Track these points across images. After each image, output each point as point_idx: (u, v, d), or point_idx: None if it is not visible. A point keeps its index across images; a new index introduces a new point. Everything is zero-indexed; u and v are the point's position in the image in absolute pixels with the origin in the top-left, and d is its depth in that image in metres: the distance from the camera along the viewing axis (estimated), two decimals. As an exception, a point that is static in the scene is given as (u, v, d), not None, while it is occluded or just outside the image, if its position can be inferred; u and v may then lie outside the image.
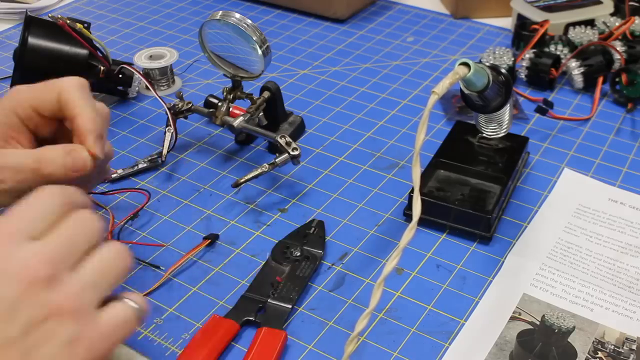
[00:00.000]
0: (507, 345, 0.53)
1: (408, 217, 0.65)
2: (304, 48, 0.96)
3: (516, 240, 0.63)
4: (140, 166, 0.71)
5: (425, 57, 0.93)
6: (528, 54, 0.85)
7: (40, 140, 0.53)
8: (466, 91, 0.59)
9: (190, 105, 0.73)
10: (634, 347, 0.52)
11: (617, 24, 0.89)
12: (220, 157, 0.74)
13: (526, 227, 0.64)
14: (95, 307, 0.38)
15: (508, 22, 1.00)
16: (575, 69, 0.83)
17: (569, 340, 0.53)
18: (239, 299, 0.56)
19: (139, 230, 0.64)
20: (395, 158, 0.73)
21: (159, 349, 0.53)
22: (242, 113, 0.71)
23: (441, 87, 0.50)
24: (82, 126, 0.50)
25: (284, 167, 0.69)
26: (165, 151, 0.70)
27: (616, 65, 0.83)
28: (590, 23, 0.90)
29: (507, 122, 0.67)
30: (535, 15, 0.91)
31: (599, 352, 0.52)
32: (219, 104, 0.72)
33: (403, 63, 0.92)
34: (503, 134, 0.68)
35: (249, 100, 0.73)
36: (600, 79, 0.82)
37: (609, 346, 0.52)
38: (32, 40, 0.74)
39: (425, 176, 0.66)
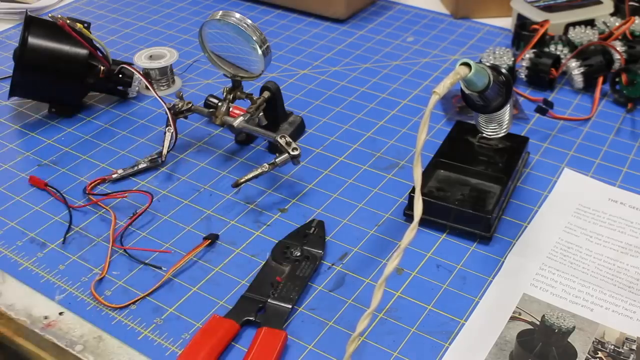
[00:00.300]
0: (507, 345, 0.53)
1: (408, 217, 0.65)
2: (304, 48, 0.96)
3: (516, 240, 0.63)
4: (140, 166, 0.71)
5: (425, 57, 0.93)
6: (528, 54, 0.85)
7: None
8: (467, 91, 0.59)
9: (190, 105, 0.73)
10: (634, 347, 0.52)
11: (617, 24, 0.89)
12: (220, 157, 0.74)
13: (526, 227, 0.64)
14: None
15: (508, 22, 1.00)
16: (575, 69, 0.83)
17: (569, 340, 0.53)
18: (239, 299, 0.56)
19: (139, 231, 0.64)
20: (395, 158, 0.73)
21: (159, 349, 0.53)
22: (242, 113, 0.71)
23: (442, 87, 0.50)
24: None
25: (284, 167, 0.69)
26: (165, 151, 0.70)
27: (616, 65, 0.83)
28: (590, 23, 0.90)
29: (507, 122, 0.67)
30: (535, 15, 0.91)
31: (599, 352, 0.52)
32: (219, 104, 0.72)
33: (403, 63, 0.92)
34: (503, 134, 0.68)
35: (249, 100, 0.73)
36: (600, 79, 0.82)
37: (609, 346, 0.52)
38: (32, 40, 0.74)
39: (425, 176, 0.66)
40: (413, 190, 0.65)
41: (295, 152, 0.66)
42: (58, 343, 0.54)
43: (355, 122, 0.80)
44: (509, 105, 0.65)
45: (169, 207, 0.67)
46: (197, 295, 0.58)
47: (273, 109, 0.74)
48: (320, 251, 0.60)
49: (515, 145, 0.69)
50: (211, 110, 0.73)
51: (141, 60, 0.84)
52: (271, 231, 0.64)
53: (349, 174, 0.71)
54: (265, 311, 0.55)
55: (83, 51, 0.76)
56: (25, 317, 0.56)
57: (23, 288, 0.59)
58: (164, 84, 0.85)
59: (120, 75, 0.80)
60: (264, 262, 0.60)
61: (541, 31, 0.86)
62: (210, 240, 0.62)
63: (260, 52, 0.68)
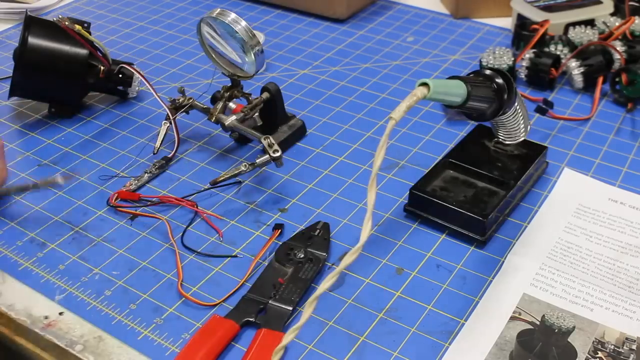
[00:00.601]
0: (507, 345, 0.53)
1: (408, 212, 0.65)
2: (304, 48, 0.96)
3: (516, 240, 0.63)
4: (152, 173, 0.70)
5: (425, 57, 0.93)
6: (528, 54, 0.85)
7: None
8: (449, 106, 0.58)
9: (191, 100, 0.73)
10: (634, 347, 0.52)
11: (617, 24, 0.89)
12: (220, 157, 0.74)
13: (526, 227, 0.64)
14: None
15: (508, 22, 1.00)
16: (575, 69, 0.83)
17: (569, 340, 0.53)
18: (240, 300, 0.56)
19: (139, 231, 0.64)
20: (395, 158, 0.73)
21: (159, 349, 0.53)
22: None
23: (398, 112, 0.49)
24: None
25: (284, 167, 0.69)
26: (158, 144, 0.71)
27: (616, 65, 0.83)
28: (590, 23, 0.90)
29: (522, 127, 0.65)
30: (535, 15, 0.91)
31: (599, 352, 0.52)
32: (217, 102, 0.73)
33: (403, 63, 0.92)
34: (519, 140, 0.67)
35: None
36: (600, 79, 0.82)
37: (609, 346, 0.52)
38: (32, 40, 0.74)
39: (431, 175, 0.66)
40: (414, 187, 0.64)
41: (276, 154, 0.65)
42: (58, 343, 0.54)
43: (355, 122, 0.80)
44: (518, 111, 0.64)
45: (169, 207, 0.67)
46: (197, 294, 0.58)
47: (272, 111, 0.74)
48: (324, 253, 0.60)
49: (531, 153, 0.68)
50: (206, 107, 0.73)
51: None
52: (271, 231, 0.64)
53: (349, 174, 0.71)
54: (265, 312, 0.55)
55: (83, 51, 0.76)
56: (25, 317, 0.56)
57: (23, 288, 0.59)
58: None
59: (120, 75, 0.80)
60: (267, 264, 0.60)
61: (541, 31, 0.86)
62: (280, 230, 0.63)
63: (251, 54, 0.68)
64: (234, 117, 0.71)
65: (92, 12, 1.07)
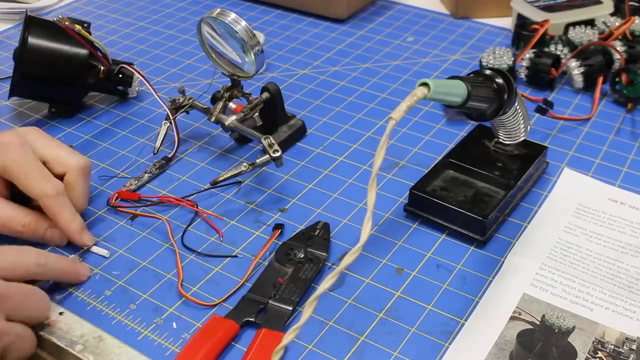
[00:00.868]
0: (507, 345, 0.53)
1: (408, 212, 0.65)
2: (304, 48, 0.96)
3: (516, 240, 0.63)
4: (152, 173, 0.70)
5: (425, 57, 0.93)
6: (528, 53, 0.85)
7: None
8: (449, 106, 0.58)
9: (191, 100, 0.73)
10: (634, 347, 0.52)
11: (617, 24, 0.89)
12: (220, 157, 0.74)
13: (526, 227, 0.64)
14: None
15: (508, 22, 1.00)
16: (575, 68, 0.83)
17: (569, 340, 0.53)
18: (240, 300, 0.56)
19: (139, 231, 0.64)
20: (396, 158, 0.73)
21: (159, 349, 0.53)
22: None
23: (398, 112, 0.49)
24: (65, 230, 0.61)
25: (284, 167, 0.69)
26: (158, 144, 0.71)
27: (616, 65, 0.83)
28: (590, 23, 0.90)
29: (521, 128, 0.65)
30: (535, 15, 0.91)
31: (599, 352, 0.52)
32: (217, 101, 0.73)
33: (403, 63, 0.92)
34: (519, 140, 0.66)
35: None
36: (600, 79, 0.82)
37: (609, 346, 0.52)
38: (32, 40, 0.74)
39: (431, 175, 0.66)
40: (414, 187, 0.64)
41: (276, 154, 0.65)
42: (58, 343, 0.54)
43: (355, 122, 0.80)
44: (518, 111, 0.64)
45: (169, 207, 0.67)
46: (197, 295, 0.58)
47: (272, 111, 0.74)
48: (324, 253, 0.60)
49: (531, 153, 0.68)
50: (206, 107, 0.73)
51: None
52: (271, 231, 0.64)
53: (349, 174, 0.71)
54: (266, 312, 0.55)
55: (83, 51, 0.76)
56: (25, 317, 0.56)
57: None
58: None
59: (120, 75, 0.80)
60: (267, 264, 0.60)
61: (541, 31, 0.86)
62: (280, 230, 0.63)
63: (251, 54, 0.68)
64: (234, 117, 0.71)
65: (92, 12, 1.07)
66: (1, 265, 0.52)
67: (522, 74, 0.85)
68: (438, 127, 0.78)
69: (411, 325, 0.55)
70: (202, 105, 0.74)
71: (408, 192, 0.65)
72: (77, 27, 0.76)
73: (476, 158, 0.68)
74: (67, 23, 0.75)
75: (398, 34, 0.99)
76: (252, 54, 0.68)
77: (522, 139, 0.67)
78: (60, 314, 0.56)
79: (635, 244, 0.62)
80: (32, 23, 0.75)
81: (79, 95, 0.81)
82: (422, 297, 0.57)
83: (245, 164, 0.66)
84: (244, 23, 0.67)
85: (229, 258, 0.61)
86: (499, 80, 0.59)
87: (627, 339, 0.53)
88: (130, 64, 0.80)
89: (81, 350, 0.53)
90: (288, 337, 0.47)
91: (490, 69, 0.61)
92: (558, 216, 0.65)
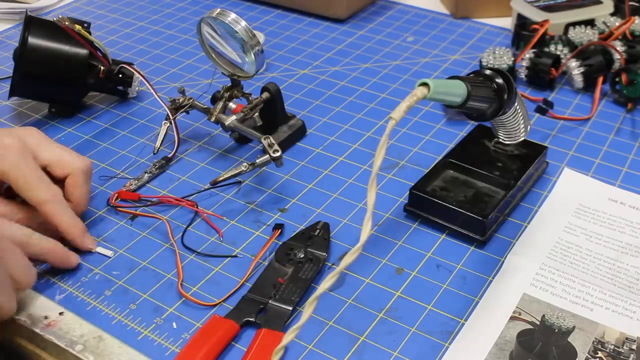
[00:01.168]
0: (507, 345, 0.53)
1: (408, 212, 0.65)
2: (304, 48, 0.96)
3: (516, 240, 0.63)
4: (152, 173, 0.70)
5: (425, 57, 0.93)
6: (528, 54, 0.85)
7: None
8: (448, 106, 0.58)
9: (191, 100, 0.73)
10: (634, 347, 0.52)
11: (617, 24, 0.89)
12: (220, 157, 0.74)
13: (526, 227, 0.64)
14: None
15: (508, 22, 1.00)
16: (575, 68, 0.83)
17: (569, 340, 0.53)
18: (240, 300, 0.56)
19: (139, 231, 0.64)
20: (396, 158, 0.73)
21: (159, 349, 0.53)
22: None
23: (398, 112, 0.48)
24: (67, 235, 0.60)
25: (284, 167, 0.69)
26: (158, 144, 0.71)
27: (616, 65, 0.83)
28: (590, 23, 0.90)
29: (521, 128, 0.65)
30: (535, 15, 0.91)
31: (599, 352, 0.52)
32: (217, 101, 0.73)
33: (403, 63, 0.92)
34: (519, 140, 0.66)
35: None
36: (600, 79, 0.82)
37: (609, 346, 0.52)
38: (32, 40, 0.74)
39: (431, 175, 0.66)
40: (414, 187, 0.64)
41: (276, 154, 0.65)
42: (58, 343, 0.54)
43: (355, 122, 0.80)
44: (518, 111, 0.64)
45: (169, 207, 0.67)
46: (197, 294, 0.58)
47: (272, 111, 0.74)
48: (324, 253, 0.60)
49: (531, 153, 0.68)
50: (206, 107, 0.73)
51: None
52: (271, 231, 0.64)
53: (349, 174, 0.71)
54: (266, 312, 0.55)
55: (83, 51, 0.76)
56: (25, 317, 0.56)
57: (23, 288, 0.59)
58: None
59: (120, 75, 0.80)
60: (267, 264, 0.60)
61: (541, 31, 0.86)
62: (280, 230, 0.63)
63: (251, 54, 0.68)
64: (234, 117, 0.71)
65: (92, 12, 1.07)
66: None
67: (522, 74, 0.85)
68: (438, 127, 0.78)
69: (411, 325, 0.55)
70: (202, 105, 0.74)
71: (408, 192, 0.65)
72: (77, 27, 0.76)
73: (476, 158, 0.68)
74: (67, 23, 0.76)
75: (398, 34, 0.99)
76: (252, 54, 0.68)
77: (522, 139, 0.67)
78: (60, 314, 0.56)
79: (635, 244, 0.62)
80: (32, 23, 0.75)
81: (79, 95, 0.81)
82: (422, 297, 0.57)
83: (245, 164, 0.66)
84: (244, 23, 0.67)
85: (229, 258, 0.61)
86: (499, 80, 0.59)
87: (627, 339, 0.53)
88: (130, 64, 0.80)
89: (81, 350, 0.53)
90: (288, 337, 0.47)
91: (490, 69, 0.61)
92: (558, 216, 0.65)
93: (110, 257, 0.61)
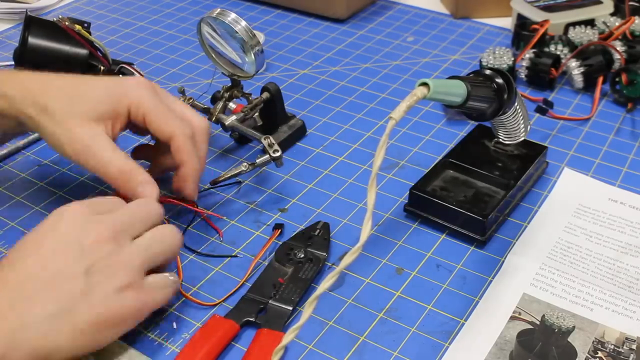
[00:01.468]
0: (507, 345, 0.53)
1: (408, 212, 0.65)
2: (304, 48, 0.96)
3: (516, 240, 0.63)
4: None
5: (425, 57, 0.93)
6: (528, 53, 0.85)
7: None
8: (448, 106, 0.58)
9: (191, 100, 0.73)
10: (634, 347, 0.52)
11: (617, 24, 0.89)
12: (220, 157, 0.74)
13: (526, 227, 0.64)
14: (144, 269, 0.50)
15: (508, 22, 1.00)
16: (575, 68, 0.83)
17: (569, 340, 0.53)
18: (240, 300, 0.56)
19: (139, 230, 0.64)
20: (396, 158, 0.73)
21: (159, 348, 0.53)
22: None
23: (398, 112, 0.48)
24: (185, 174, 0.61)
25: (284, 167, 0.69)
26: None
27: (616, 65, 0.83)
28: (590, 23, 0.90)
29: (521, 128, 0.65)
30: (535, 15, 0.91)
31: (599, 352, 0.52)
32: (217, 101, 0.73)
33: (403, 63, 0.92)
34: (519, 140, 0.66)
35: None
36: (600, 79, 0.82)
37: (609, 346, 0.52)
38: (32, 40, 0.74)
39: (431, 175, 0.66)
40: (414, 187, 0.64)
41: (276, 154, 0.65)
42: (58, 343, 0.54)
43: (355, 122, 0.80)
44: (518, 111, 0.64)
45: (168, 207, 0.67)
46: (197, 294, 0.58)
47: (272, 111, 0.74)
48: (324, 253, 0.60)
49: (531, 153, 0.68)
50: (206, 107, 0.73)
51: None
52: (271, 231, 0.64)
53: (349, 174, 0.71)
54: (266, 312, 0.55)
55: (83, 51, 0.76)
56: (25, 317, 0.56)
57: (23, 288, 0.59)
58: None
59: (120, 75, 0.80)
60: (267, 264, 0.60)
61: (541, 31, 0.86)
62: (280, 230, 0.63)
63: (251, 54, 0.68)
64: (234, 117, 0.71)
65: (92, 12, 1.07)
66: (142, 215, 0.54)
67: (522, 74, 0.85)
68: (438, 127, 0.78)
69: (411, 325, 0.55)
70: (202, 105, 0.74)
71: (408, 192, 0.65)
72: (77, 27, 0.76)
73: (476, 158, 0.68)
74: (67, 23, 0.76)
75: (398, 34, 0.99)
76: (252, 54, 0.68)
77: (522, 139, 0.67)
78: (60, 314, 0.56)
79: (635, 244, 0.62)
80: (32, 23, 0.75)
81: (79, 95, 0.81)
82: (422, 297, 0.57)
83: (245, 164, 0.66)
84: (244, 23, 0.67)
85: (229, 258, 0.61)
86: (499, 80, 0.59)
87: (627, 338, 0.53)
88: (130, 64, 0.80)
89: (81, 350, 0.53)
90: (288, 337, 0.47)
91: (490, 69, 0.61)
92: (558, 216, 0.65)
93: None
